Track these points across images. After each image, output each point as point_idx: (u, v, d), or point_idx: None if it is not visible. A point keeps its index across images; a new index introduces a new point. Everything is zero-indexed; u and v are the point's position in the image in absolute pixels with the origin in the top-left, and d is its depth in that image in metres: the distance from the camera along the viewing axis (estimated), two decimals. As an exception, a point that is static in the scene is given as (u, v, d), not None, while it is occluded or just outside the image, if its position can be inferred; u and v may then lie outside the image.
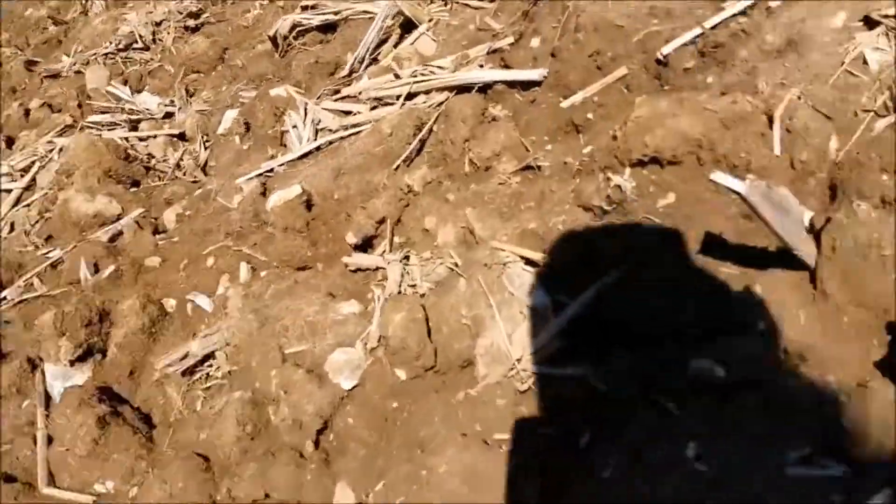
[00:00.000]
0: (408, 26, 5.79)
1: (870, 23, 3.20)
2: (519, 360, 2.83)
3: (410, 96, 4.54)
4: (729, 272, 3.12)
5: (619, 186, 3.07)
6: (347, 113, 4.95)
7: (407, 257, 3.34)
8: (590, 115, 3.78)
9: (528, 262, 3.10)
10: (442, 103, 4.32)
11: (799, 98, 3.04)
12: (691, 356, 2.60)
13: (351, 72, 5.76)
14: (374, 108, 4.75)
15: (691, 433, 2.39)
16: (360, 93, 4.86)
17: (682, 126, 2.90)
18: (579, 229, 3.09)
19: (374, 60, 5.80)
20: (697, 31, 3.67)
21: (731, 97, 2.98)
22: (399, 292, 3.20)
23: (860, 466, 2.14)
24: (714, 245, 3.19)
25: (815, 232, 2.79)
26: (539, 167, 3.67)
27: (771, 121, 3.00)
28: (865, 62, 3.09)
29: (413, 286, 3.15)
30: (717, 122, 2.92)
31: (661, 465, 2.36)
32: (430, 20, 5.65)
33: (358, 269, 3.50)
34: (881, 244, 2.59)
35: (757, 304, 2.75)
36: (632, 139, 2.98)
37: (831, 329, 2.72)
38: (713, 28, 3.64)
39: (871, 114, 2.98)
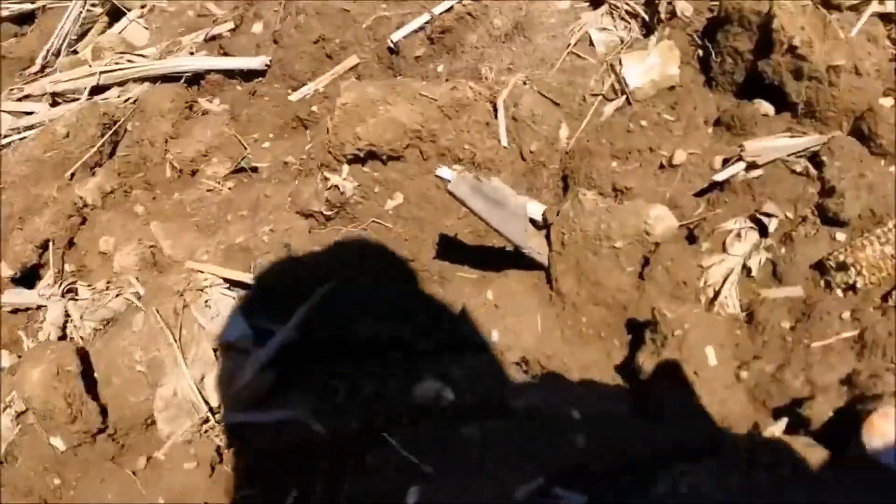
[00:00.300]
0: (117, 14, 5.09)
1: (595, 2, 3.17)
2: (215, 410, 2.36)
3: (100, 89, 3.88)
4: (466, 277, 2.91)
5: (337, 187, 2.72)
6: (29, 114, 4.14)
7: (74, 290, 2.72)
8: (315, 108, 3.42)
9: (233, 283, 2.65)
10: (142, 97, 3.72)
11: (525, 83, 2.90)
12: (418, 378, 2.31)
13: (44, 66, 4.91)
14: (55, 104, 4.01)
15: (415, 474, 2.08)
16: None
17: (396, 115, 2.62)
18: (292, 241, 2.69)
19: (75, 53, 5.03)
20: (426, 16, 3.47)
21: (452, 83, 2.77)
22: (63, 336, 2.58)
23: (599, 494, 1.95)
24: (449, 248, 2.96)
25: (546, 227, 2.65)
26: (256, 169, 3.23)
27: (496, 109, 2.82)
28: (592, 43, 3.04)
29: (78, 327, 2.55)
30: (437, 110, 2.69)
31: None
32: (142, 6, 5.00)
33: (17, 310, 2.80)
34: (610, 236, 2.48)
35: (490, 311, 2.54)
36: (343, 131, 2.65)
37: (570, 332, 2.58)
38: (442, 13, 3.45)
39: (600, 97, 2.93)
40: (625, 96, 2.84)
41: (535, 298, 2.62)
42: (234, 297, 2.55)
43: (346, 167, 2.73)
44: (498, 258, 2.81)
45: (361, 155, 2.68)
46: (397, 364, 2.38)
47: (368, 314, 2.45)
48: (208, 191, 3.15)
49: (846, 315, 2.16)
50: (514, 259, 2.69)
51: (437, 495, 1.98)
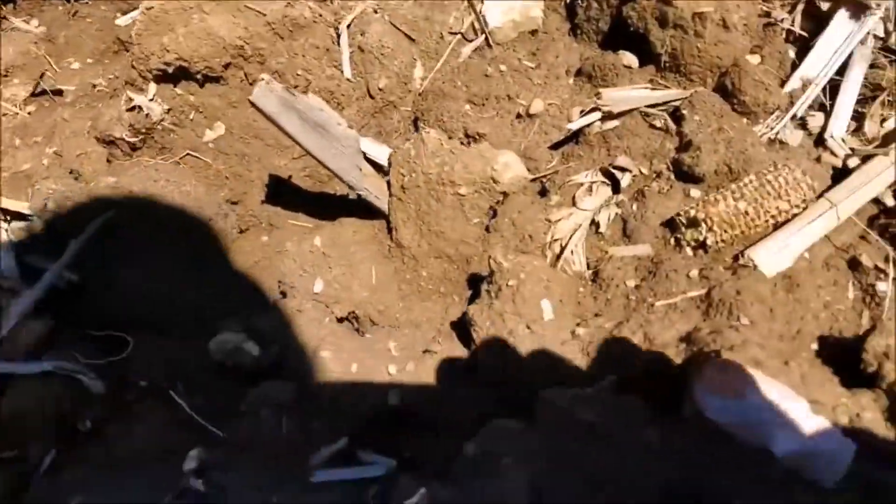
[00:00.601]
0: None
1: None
2: (-34, 359, 1.97)
3: None
4: (299, 225, 2.63)
5: (141, 108, 2.36)
6: None
7: None
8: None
9: (10, 214, 2.25)
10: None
11: (375, 12, 2.64)
12: (218, 330, 2.01)
13: None
14: None
15: (201, 437, 1.79)
16: None
17: (214, 26, 2.29)
18: (83, 169, 2.33)
19: None
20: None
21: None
22: None
23: (409, 456, 1.73)
24: (281, 191, 2.67)
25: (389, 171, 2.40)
26: (61, 92, 2.81)
27: (339, 35, 2.54)
28: (455, -23, 2.82)
29: None
30: (266, 27, 2.38)
31: (158, 482, 1.72)
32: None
33: None
34: (454, 180, 2.26)
35: (317, 260, 2.27)
36: (147, 41, 2.30)
37: (408, 287, 2.35)
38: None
39: (458, 37, 2.71)
40: (484, 36, 2.64)
41: (373, 249, 2.37)
42: (5, 230, 2.16)
43: (153, 86, 2.38)
44: (338, 207, 2.55)
45: (170, 71, 2.33)
46: (194, 314, 2.07)
47: (167, 263, 2.12)
48: (3, 114, 2.71)
49: (694, 273, 2.05)
50: (356, 208, 2.44)
51: (222, 460, 1.69)
